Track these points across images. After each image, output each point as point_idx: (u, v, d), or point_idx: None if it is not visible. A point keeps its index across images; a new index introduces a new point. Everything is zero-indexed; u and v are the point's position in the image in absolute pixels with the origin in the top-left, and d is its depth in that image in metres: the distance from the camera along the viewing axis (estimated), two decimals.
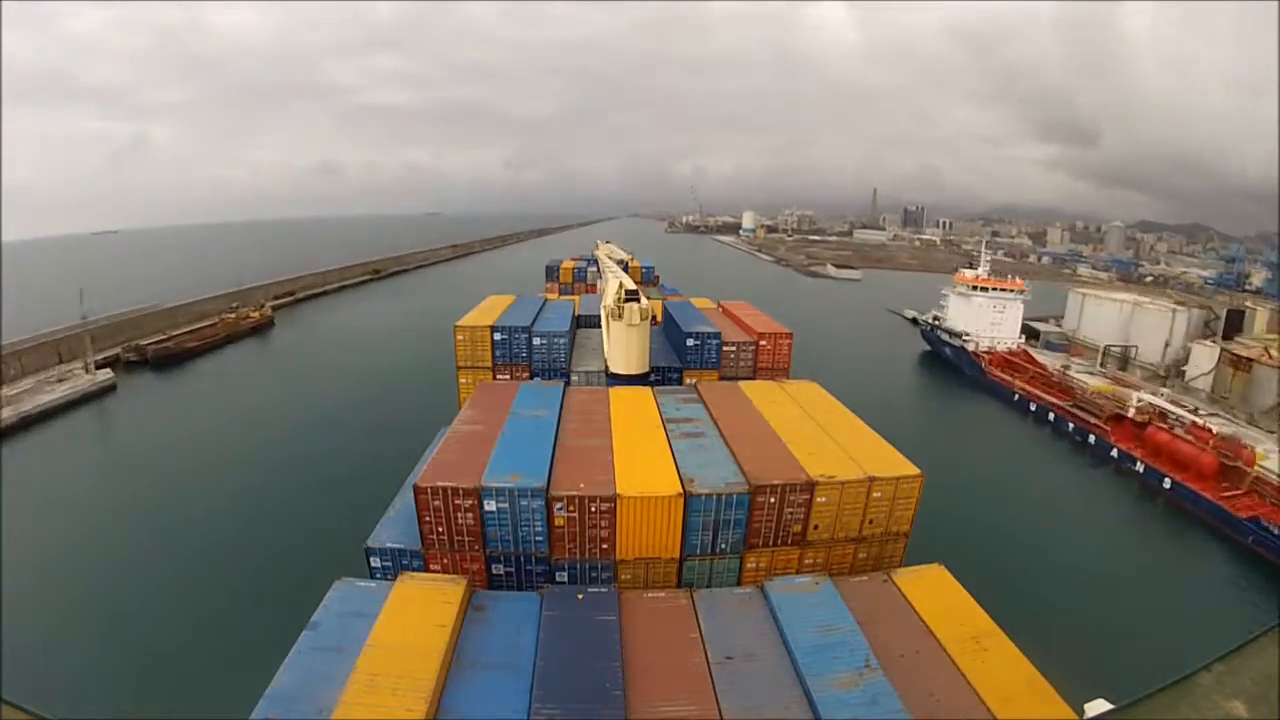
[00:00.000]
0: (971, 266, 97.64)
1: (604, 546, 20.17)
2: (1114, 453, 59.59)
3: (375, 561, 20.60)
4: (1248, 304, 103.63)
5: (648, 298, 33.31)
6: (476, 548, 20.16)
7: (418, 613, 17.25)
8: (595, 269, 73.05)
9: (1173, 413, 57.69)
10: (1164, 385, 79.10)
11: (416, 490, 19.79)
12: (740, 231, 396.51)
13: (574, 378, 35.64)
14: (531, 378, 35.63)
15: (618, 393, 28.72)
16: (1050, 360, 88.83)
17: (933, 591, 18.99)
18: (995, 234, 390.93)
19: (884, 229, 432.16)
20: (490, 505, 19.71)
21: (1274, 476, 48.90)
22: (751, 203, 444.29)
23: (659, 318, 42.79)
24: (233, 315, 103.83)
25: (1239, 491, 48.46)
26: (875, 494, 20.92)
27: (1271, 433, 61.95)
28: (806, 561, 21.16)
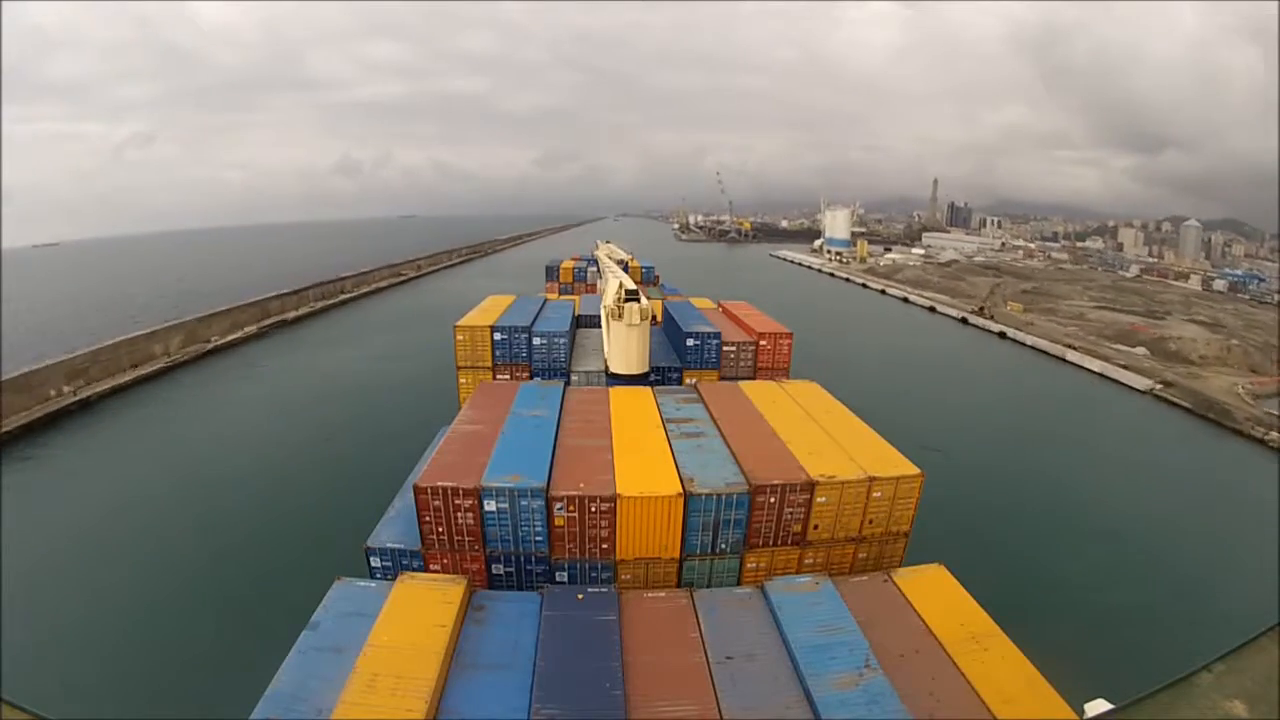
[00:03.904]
0: None
1: (604, 546, 20.15)
2: None
3: (375, 561, 20.59)
4: None
5: (648, 297, 33.30)
6: (476, 548, 20.15)
7: (417, 613, 17.22)
8: (595, 269, 73.06)
9: None
10: None
11: (416, 490, 19.78)
12: (821, 243, 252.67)
13: (574, 378, 35.62)
14: (531, 378, 35.59)
15: (618, 393, 28.68)
16: None
17: (933, 591, 18.96)
18: (1043, 235, 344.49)
19: (948, 230, 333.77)
20: (490, 505, 19.70)
21: None
22: (771, 202, 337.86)
23: (659, 318, 42.74)
24: None
25: None
26: (875, 494, 20.89)
27: None
28: (806, 561, 21.14)
